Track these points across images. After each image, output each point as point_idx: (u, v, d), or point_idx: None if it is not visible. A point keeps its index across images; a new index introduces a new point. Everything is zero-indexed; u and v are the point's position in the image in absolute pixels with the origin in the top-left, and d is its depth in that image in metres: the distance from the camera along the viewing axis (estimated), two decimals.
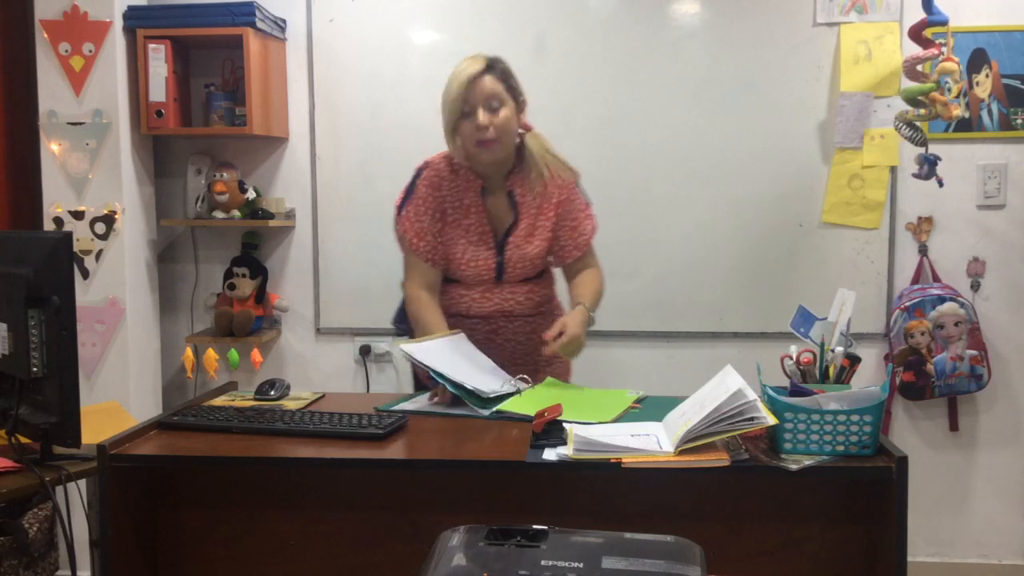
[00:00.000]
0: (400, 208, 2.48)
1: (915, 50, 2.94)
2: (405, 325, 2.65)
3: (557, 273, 2.60)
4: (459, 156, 2.41)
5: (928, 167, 2.98)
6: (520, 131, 2.42)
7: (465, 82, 2.30)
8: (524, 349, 2.50)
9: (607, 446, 1.77)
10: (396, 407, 2.17)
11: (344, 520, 1.92)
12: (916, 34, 2.91)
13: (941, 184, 3.01)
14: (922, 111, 2.90)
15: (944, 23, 2.89)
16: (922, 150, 2.99)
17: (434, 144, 3.35)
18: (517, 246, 2.43)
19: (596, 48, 3.31)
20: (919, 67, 2.92)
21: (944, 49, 2.86)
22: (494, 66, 2.35)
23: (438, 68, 3.35)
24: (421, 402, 2.24)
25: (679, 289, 3.35)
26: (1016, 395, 3.32)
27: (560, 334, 2.29)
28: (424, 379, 2.52)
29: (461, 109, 2.32)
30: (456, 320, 2.46)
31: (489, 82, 2.32)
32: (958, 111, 2.90)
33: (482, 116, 2.30)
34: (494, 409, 2.09)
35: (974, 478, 3.35)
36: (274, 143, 3.46)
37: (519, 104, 2.39)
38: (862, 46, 3.22)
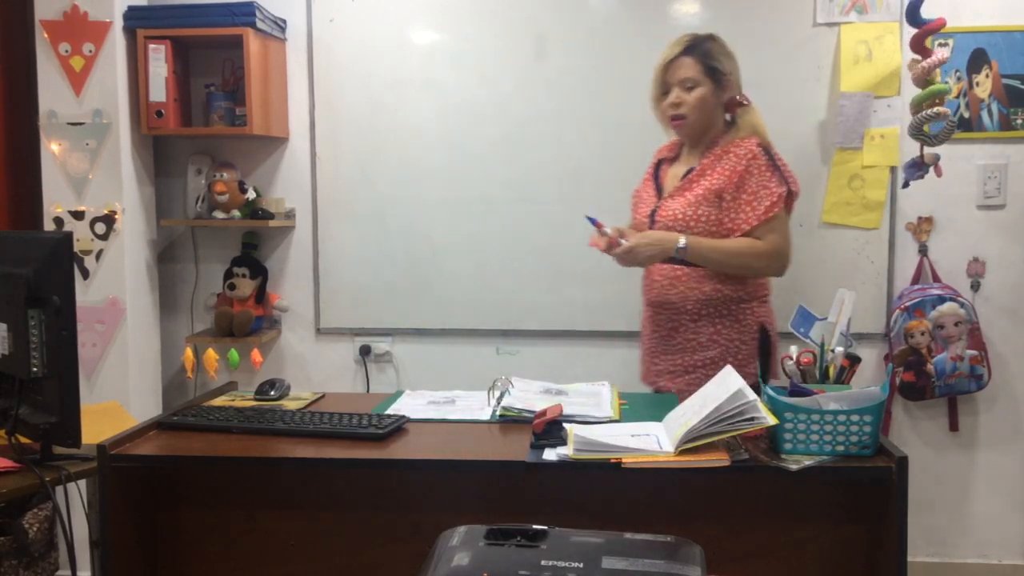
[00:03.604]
0: None
1: (914, 57, 2.93)
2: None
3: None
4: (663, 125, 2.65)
5: (911, 168, 2.98)
6: (741, 102, 2.56)
7: (661, 66, 2.54)
8: (702, 358, 2.50)
9: (607, 446, 1.77)
10: (391, 408, 2.17)
11: (344, 520, 1.93)
12: (918, 44, 2.89)
13: (905, 185, 3.01)
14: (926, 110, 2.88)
15: (939, 28, 2.88)
16: (937, 149, 2.96)
17: (434, 144, 3.40)
18: (672, 196, 2.54)
19: (596, 48, 3.30)
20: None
21: (947, 52, 2.85)
22: (695, 47, 2.52)
23: (438, 68, 3.40)
24: (416, 401, 2.24)
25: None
26: (1016, 395, 3.32)
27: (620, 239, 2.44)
28: None
29: (660, 90, 2.55)
30: (646, 308, 2.64)
31: (685, 64, 2.51)
32: None
33: (674, 96, 2.52)
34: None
35: (974, 478, 3.35)
36: (274, 143, 3.46)
37: (720, 83, 2.53)
38: (862, 46, 3.22)
